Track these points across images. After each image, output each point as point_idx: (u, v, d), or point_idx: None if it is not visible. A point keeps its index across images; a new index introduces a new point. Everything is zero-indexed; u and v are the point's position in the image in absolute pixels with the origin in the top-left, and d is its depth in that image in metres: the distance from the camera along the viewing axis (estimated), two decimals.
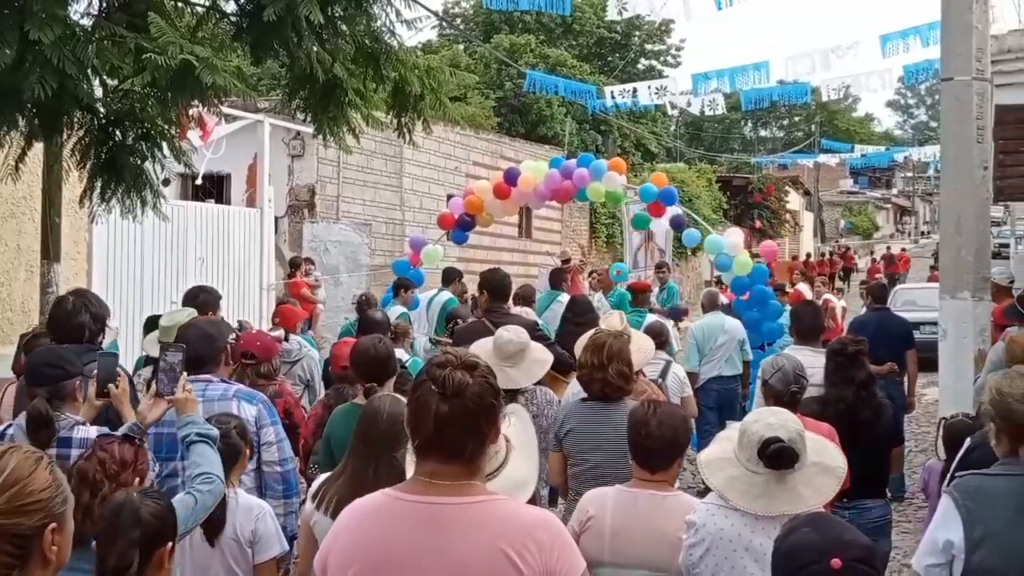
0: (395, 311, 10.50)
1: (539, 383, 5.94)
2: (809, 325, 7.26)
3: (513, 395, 5.36)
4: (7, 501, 2.28)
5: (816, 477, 3.66)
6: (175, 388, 4.23)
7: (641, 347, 6.06)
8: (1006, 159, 13.91)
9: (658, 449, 4.11)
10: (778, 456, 3.57)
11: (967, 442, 4.88)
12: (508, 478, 3.20)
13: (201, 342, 4.98)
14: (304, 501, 4.52)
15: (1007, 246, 45.64)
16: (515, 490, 3.15)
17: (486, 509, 2.60)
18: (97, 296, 6.01)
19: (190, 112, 9.19)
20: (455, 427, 2.57)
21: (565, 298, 10.96)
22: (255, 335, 7.06)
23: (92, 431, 4.45)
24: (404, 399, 4.15)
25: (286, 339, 8.40)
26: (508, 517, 2.61)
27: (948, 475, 4.89)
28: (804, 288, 15.30)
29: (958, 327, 6.93)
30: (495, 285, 7.88)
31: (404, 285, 11.57)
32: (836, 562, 2.64)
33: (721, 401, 10.15)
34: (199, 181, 15.89)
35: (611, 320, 6.81)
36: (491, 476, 3.15)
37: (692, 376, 9.39)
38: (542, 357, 5.86)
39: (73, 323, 5.47)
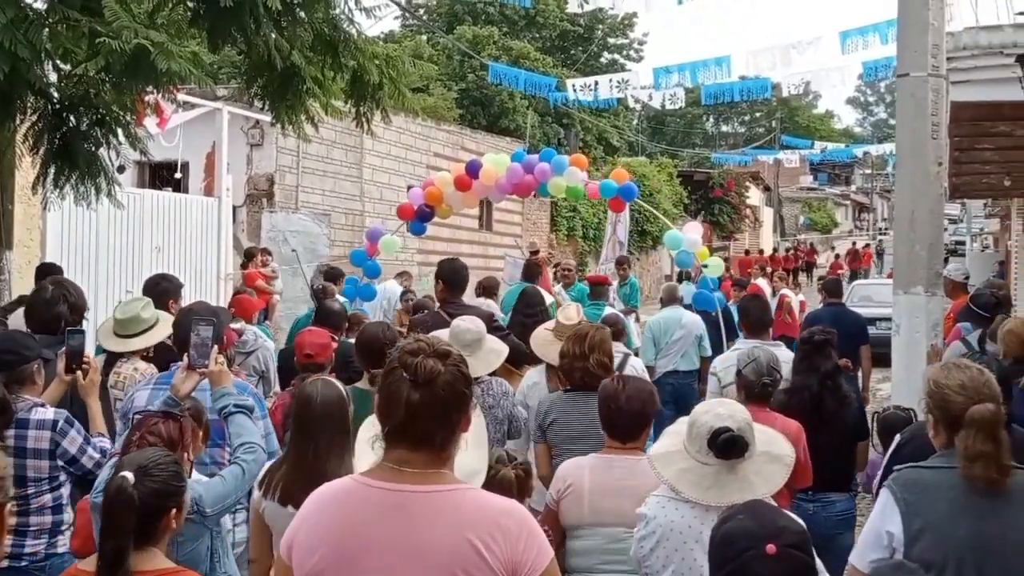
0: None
1: (493, 374, 5.97)
2: (756, 318, 7.42)
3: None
4: None
5: (765, 466, 3.68)
6: (207, 361, 4.36)
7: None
8: (961, 156, 13.99)
9: (627, 421, 4.36)
10: (728, 445, 3.59)
11: (898, 437, 4.95)
12: (460, 468, 3.14)
13: (189, 328, 4.94)
14: None
15: (963, 243, 46.23)
16: (467, 479, 3.08)
17: (453, 498, 2.60)
18: (76, 286, 5.97)
19: (146, 98, 9.09)
20: (426, 415, 2.56)
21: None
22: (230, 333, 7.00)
23: (50, 412, 4.57)
24: (337, 383, 4.25)
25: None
26: (475, 506, 2.61)
27: (883, 468, 4.98)
28: (762, 283, 15.42)
29: (911, 322, 6.99)
30: (451, 276, 7.78)
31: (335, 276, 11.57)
32: (771, 548, 2.66)
33: (676, 396, 9.98)
34: (178, 175, 15.87)
35: (568, 312, 6.84)
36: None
37: (649, 370, 9.35)
38: (498, 347, 5.93)
39: (51, 313, 5.46)
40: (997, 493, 3.28)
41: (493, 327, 7.11)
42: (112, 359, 5.79)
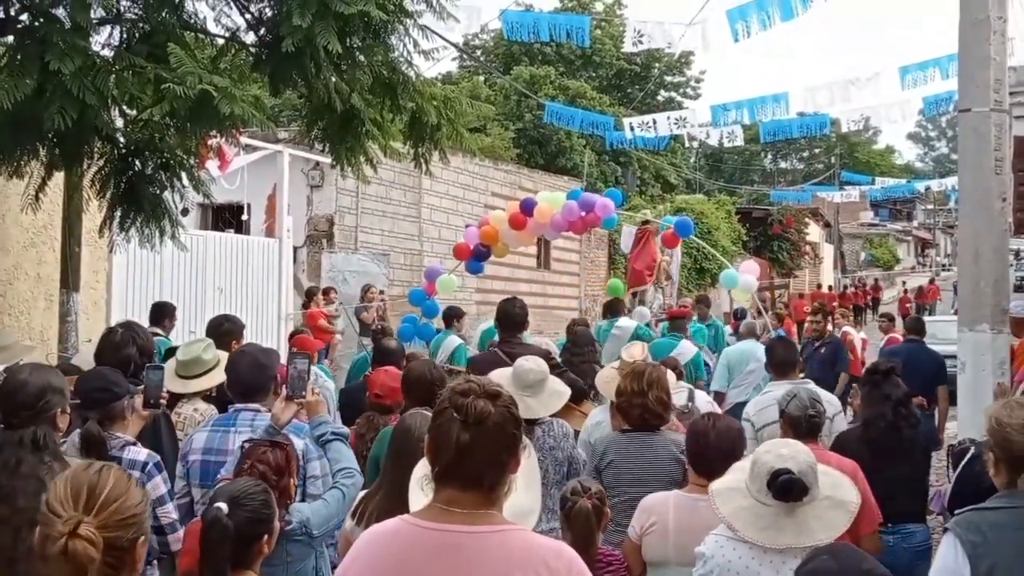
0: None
1: (555, 414, 5.95)
2: (781, 359, 7.40)
3: (531, 426, 5.40)
4: (110, 515, 2.43)
5: (828, 511, 3.63)
6: (304, 392, 4.55)
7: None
8: None
9: (715, 458, 4.29)
10: (786, 488, 3.56)
11: (972, 449, 4.96)
12: (512, 507, 3.15)
13: (252, 371, 5.06)
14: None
15: None
16: (519, 520, 3.10)
17: (502, 539, 2.58)
18: (145, 329, 6.09)
19: (209, 142, 9.26)
20: (475, 456, 2.56)
21: (624, 322, 11.65)
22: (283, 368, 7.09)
23: (142, 454, 4.64)
24: None
25: None
26: (523, 547, 2.59)
27: (954, 481, 5.00)
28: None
29: (977, 359, 6.86)
30: (507, 315, 7.86)
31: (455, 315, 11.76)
32: None
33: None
34: (245, 216, 16.14)
35: (632, 350, 6.84)
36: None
37: (719, 396, 9.56)
38: (560, 389, 5.87)
39: (120, 355, 5.57)
40: None
41: (550, 364, 7.20)
42: (173, 400, 5.83)
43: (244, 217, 16.67)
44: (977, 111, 6.94)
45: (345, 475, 4.40)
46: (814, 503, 3.61)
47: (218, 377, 5.82)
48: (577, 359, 7.82)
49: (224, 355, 5.95)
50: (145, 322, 11.71)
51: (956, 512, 3.55)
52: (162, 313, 9.33)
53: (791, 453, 3.65)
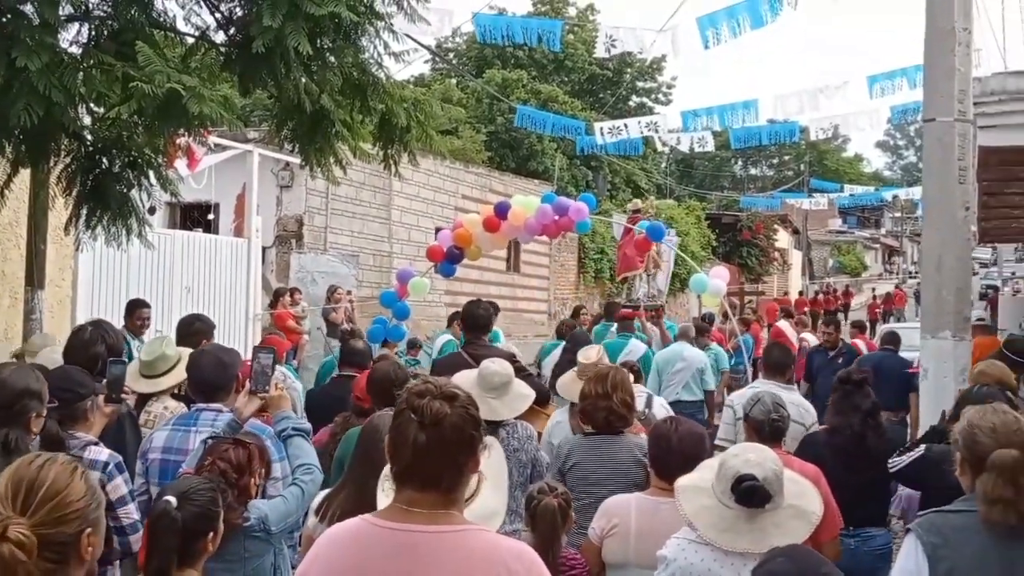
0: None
1: (519, 416, 5.98)
2: (775, 360, 7.48)
3: (495, 427, 5.41)
4: (47, 513, 2.40)
5: (790, 520, 3.63)
6: (268, 387, 4.59)
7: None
8: (990, 200, 13.96)
9: (677, 462, 4.26)
10: (749, 494, 3.56)
11: (923, 447, 5.12)
12: (479, 508, 3.21)
13: (214, 370, 5.04)
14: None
15: (995, 287, 45.85)
16: (485, 521, 3.12)
17: (462, 538, 2.59)
18: (114, 327, 6.05)
19: (178, 141, 9.20)
20: (432, 457, 2.57)
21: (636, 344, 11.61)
22: (246, 367, 7.08)
23: (104, 454, 4.57)
24: None
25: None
26: (483, 547, 2.60)
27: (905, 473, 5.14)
28: (784, 326, 15.44)
29: (939, 366, 6.94)
30: (472, 317, 7.93)
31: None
32: None
33: None
34: (213, 216, 16.03)
35: (587, 352, 6.90)
36: (467, 503, 3.13)
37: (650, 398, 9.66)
38: (525, 391, 5.86)
39: (89, 353, 5.53)
40: (1019, 538, 3.27)
41: (515, 367, 7.25)
42: (143, 399, 5.82)
43: (212, 217, 16.59)
44: (942, 121, 7.03)
45: (304, 471, 4.41)
46: (777, 511, 3.62)
47: (184, 372, 5.80)
48: (574, 360, 7.85)
49: (187, 351, 5.90)
50: (114, 320, 11.70)
51: (920, 514, 3.59)
52: (134, 309, 9.36)
53: (759, 459, 3.65)
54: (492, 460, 3.43)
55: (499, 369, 5.66)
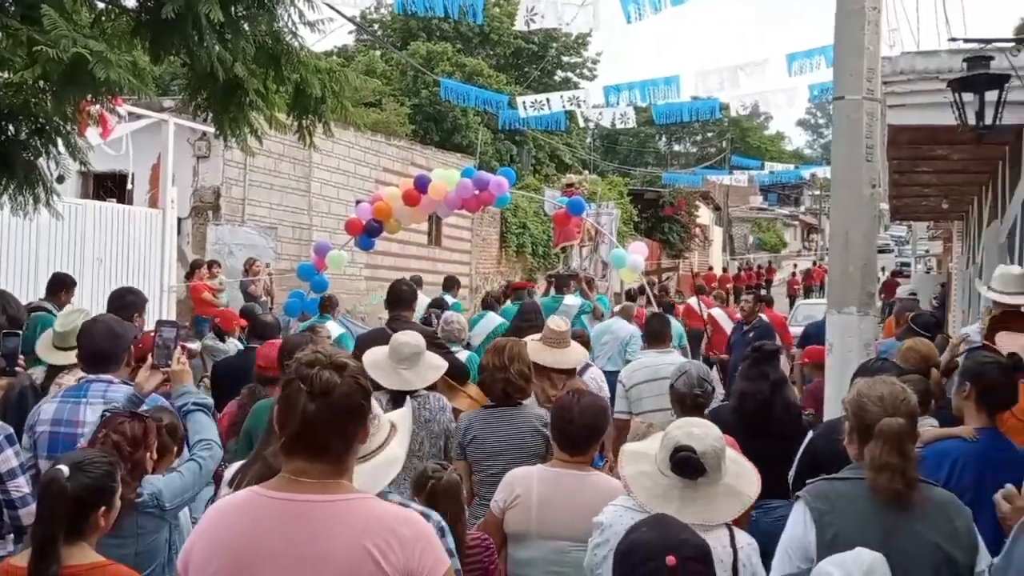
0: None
1: (436, 391, 6.04)
2: (653, 330, 8.31)
3: (406, 397, 5.48)
4: None
5: (722, 497, 3.70)
6: (170, 361, 4.56)
7: (579, 349, 6.86)
8: (901, 179, 14.26)
9: (579, 434, 4.40)
10: (683, 464, 3.63)
11: (810, 433, 5.29)
12: (383, 457, 3.32)
13: (106, 339, 4.96)
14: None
15: (908, 264, 46.91)
16: (387, 467, 3.29)
17: (350, 507, 2.61)
18: (16, 299, 5.91)
19: (89, 109, 9.00)
20: (321, 427, 2.58)
21: (571, 300, 12.64)
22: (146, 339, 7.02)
23: None
24: None
25: (222, 340, 9.47)
26: (372, 515, 2.62)
27: (796, 464, 5.26)
28: (693, 302, 15.72)
29: (844, 341, 7.05)
30: (396, 293, 8.23)
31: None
32: (671, 559, 2.73)
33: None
34: (130, 186, 15.73)
35: (556, 320, 7.05)
36: (375, 454, 3.31)
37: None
38: (436, 363, 5.96)
39: None
40: (903, 505, 3.38)
41: (435, 344, 7.46)
42: (54, 371, 5.76)
43: (130, 187, 16.27)
44: (850, 99, 7.11)
45: (203, 447, 4.37)
46: (712, 486, 3.68)
47: None
48: (526, 325, 8.26)
49: (130, 326, 5.85)
50: (22, 292, 11.47)
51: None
52: (62, 285, 9.23)
53: (702, 433, 3.72)
54: (403, 415, 3.56)
55: (409, 340, 5.76)
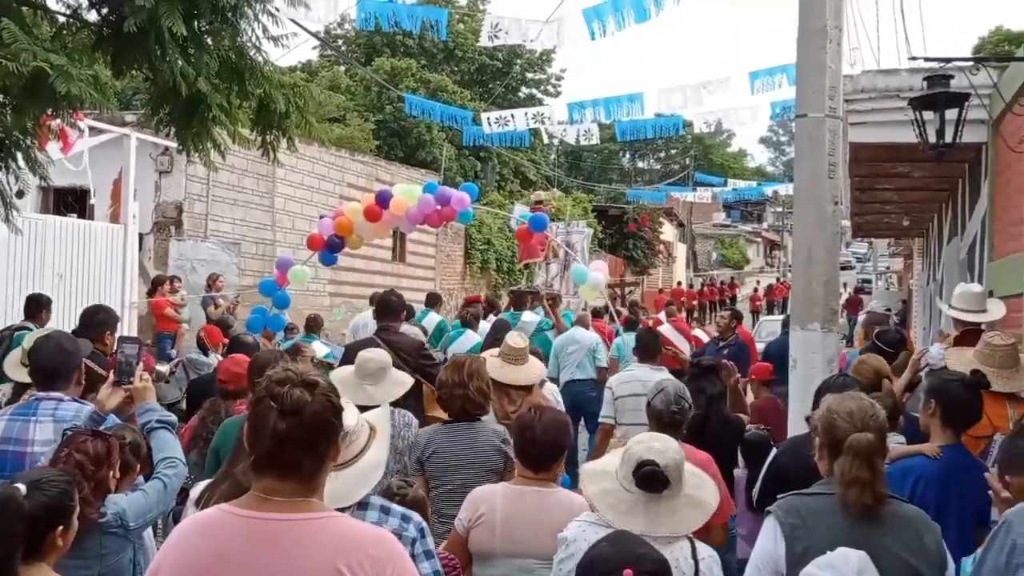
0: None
1: (419, 405, 6.11)
2: (645, 345, 8.37)
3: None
4: None
5: (684, 508, 3.74)
6: (132, 378, 4.52)
7: (538, 364, 6.87)
8: (863, 196, 14.39)
9: (541, 452, 4.42)
10: (648, 478, 3.66)
11: (775, 450, 5.39)
12: (365, 463, 3.50)
13: (56, 356, 4.89)
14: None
15: (870, 281, 47.35)
16: (369, 472, 3.49)
17: (321, 526, 2.57)
18: None
19: (51, 123, 8.91)
20: (292, 445, 2.55)
21: (529, 316, 12.74)
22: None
23: None
24: None
25: (206, 355, 9.50)
26: (343, 534, 2.59)
27: (761, 480, 5.37)
28: (661, 317, 15.80)
29: (807, 357, 7.09)
30: (385, 304, 8.44)
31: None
32: (628, 573, 2.76)
33: (575, 401, 11.03)
34: (93, 200, 15.60)
35: (514, 337, 7.05)
36: (355, 460, 3.49)
37: (554, 381, 10.69)
38: (402, 379, 5.99)
39: None
40: (872, 519, 3.41)
41: (423, 355, 7.96)
42: (21, 388, 5.68)
43: (92, 201, 16.11)
44: (813, 116, 7.18)
45: (167, 465, 4.33)
46: (675, 498, 3.72)
47: None
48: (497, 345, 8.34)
49: (84, 343, 5.77)
50: None
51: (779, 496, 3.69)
52: (39, 305, 9.25)
53: (662, 447, 3.76)
54: (381, 417, 3.70)
55: (373, 356, 5.81)
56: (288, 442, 2.54)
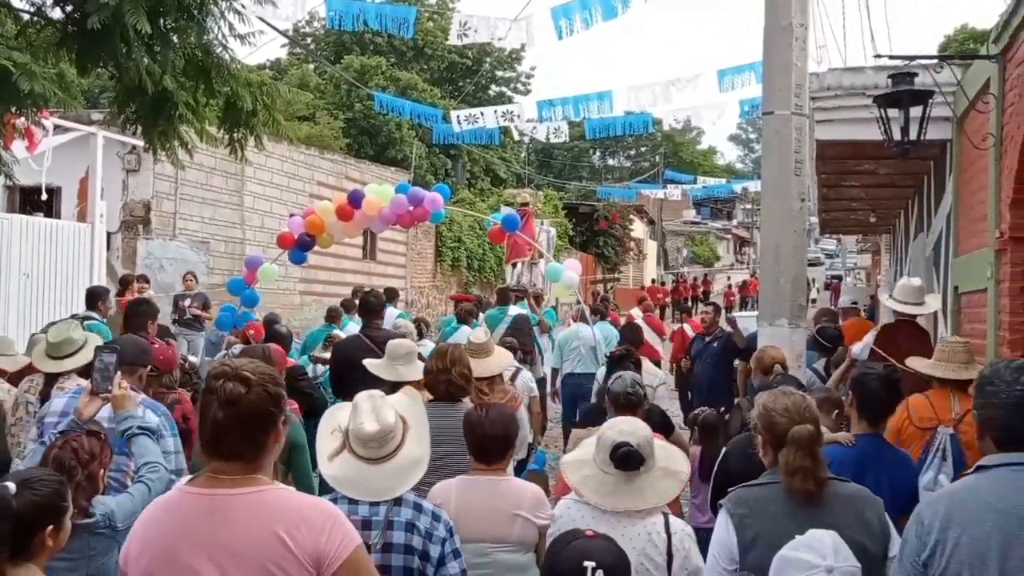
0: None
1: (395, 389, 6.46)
2: (630, 338, 9.16)
3: (395, 388, 5.78)
4: None
5: (661, 480, 4.10)
6: (110, 386, 4.60)
7: (503, 356, 7.37)
8: (829, 193, 14.49)
9: (491, 445, 4.69)
10: (625, 458, 4.01)
11: (724, 450, 5.69)
12: (405, 458, 3.86)
13: (131, 351, 5.36)
14: None
15: (839, 277, 47.68)
16: (411, 468, 3.85)
17: (260, 497, 2.83)
18: None
19: (15, 122, 8.84)
20: (230, 433, 2.82)
21: (514, 310, 13.21)
22: (158, 349, 7.05)
23: None
24: None
25: None
26: (281, 503, 2.85)
27: (713, 477, 5.68)
28: (635, 313, 15.99)
29: None
30: (366, 304, 9.04)
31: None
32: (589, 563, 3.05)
33: (573, 392, 11.81)
34: (60, 199, 15.51)
35: (478, 333, 7.62)
36: (390, 457, 3.83)
37: (555, 372, 12.48)
38: (420, 364, 6.56)
39: None
40: (815, 503, 3.63)
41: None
42: (51, 379, 5.98)
43: (63, 200, 15.98)
44: (779, 114, 7.25)
45: (150, 469, 4.45)
46: (650, 472, 4.08)
47: (89, 354, 5.85)
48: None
49: (93, 337, 6.08)
50: None
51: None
52: (96, 296, 9.87)
53: (631, 429, 4.12)
54: (414, 411, 4.04)
55: (404, 343, 6.73)
56: (225, 431, 2.81)
